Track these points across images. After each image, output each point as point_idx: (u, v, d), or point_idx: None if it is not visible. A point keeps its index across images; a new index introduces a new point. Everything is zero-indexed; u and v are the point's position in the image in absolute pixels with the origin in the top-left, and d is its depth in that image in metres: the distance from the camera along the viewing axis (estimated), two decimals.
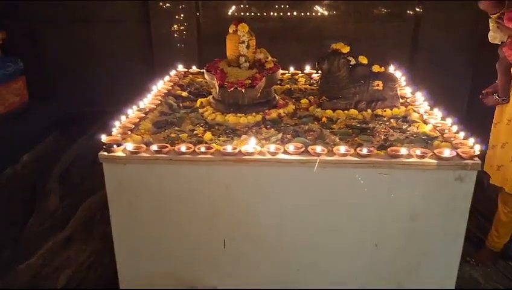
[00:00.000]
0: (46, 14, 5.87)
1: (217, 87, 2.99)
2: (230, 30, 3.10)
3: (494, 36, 2.95)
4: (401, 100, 3.19)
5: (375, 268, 2.63)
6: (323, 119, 2.97)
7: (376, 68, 3.15)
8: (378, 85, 3.06)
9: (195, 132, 2.78)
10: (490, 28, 2.95)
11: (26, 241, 3.40)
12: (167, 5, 5.70)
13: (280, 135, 2.71)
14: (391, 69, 3.66)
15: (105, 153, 2.46)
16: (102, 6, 5.81)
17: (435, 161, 2.38)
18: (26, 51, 5.55)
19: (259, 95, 2.99)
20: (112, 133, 2.67)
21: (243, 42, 3.04)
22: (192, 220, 2.57)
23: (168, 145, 2.51)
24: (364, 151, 2.42)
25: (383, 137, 2.71)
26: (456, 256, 2.59)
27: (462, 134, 2.64)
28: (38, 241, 3.37)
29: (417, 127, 2.82)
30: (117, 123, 2.79)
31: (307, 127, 2.85)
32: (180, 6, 5.71)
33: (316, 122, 2.93)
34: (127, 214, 2.58)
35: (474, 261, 3.18)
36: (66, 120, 5.48)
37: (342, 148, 2.45)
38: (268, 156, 2.44)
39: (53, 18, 5.90)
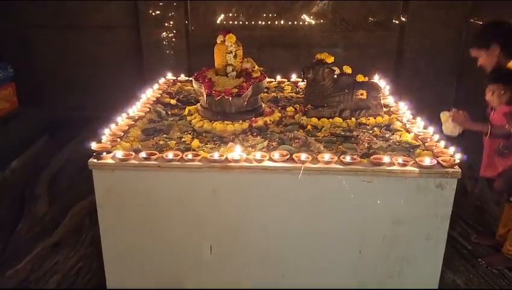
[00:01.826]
0: (37, 19, 5.88)
1: (205, 96, 3.04)
2: (218, 40, 3.16)
3: (453, 129, 2.95)
4: (384, 109, 3.26)
5: (359, 273, 2.69)
6: (309, 127, 3.03)
7: (360, 78, 3.22)
8: (362, 94, 3.14)
9: (183, 139, 2.83)
10: (443, 121, 2.96)
11: (15, 246, 3.39)
12: (157, 12, 5.74)
13: (266, 143, 2.76)
14: (375, 78, 3.73)
15: (95, 161, 2.50)
16: (92, 13, 5.84)
17: (417, 169, 2.45)
18: (16, 56, 5.56)
19: (245, 103, 3.05)
20: (102, 140, 2.71)
21: (230, 52, 3.11)
22: (179, 225, 2.62)
23: (157, 153, 2.56)
24: (348, 159, 2.49)
25: (366, 145, 2.77)
26: (438, 261, 2.66)
27: (443, 143, 2.71)
28: (27, 247, 3.36)
29: (400, 136, 2.89)
30: (107, 130, 2.83)
31: (292, 135, 2.91)
32: (170, 14, 5.75)
33: (301, 130, 3.00)
34: (115, 220, 2.62)
35: (484, 263, 3.21)
36: (56, 125, 5.46)
37: (326, 156, 2.51)
38: (254, 163, 2.49)
39: (44, 23, 5.91)
